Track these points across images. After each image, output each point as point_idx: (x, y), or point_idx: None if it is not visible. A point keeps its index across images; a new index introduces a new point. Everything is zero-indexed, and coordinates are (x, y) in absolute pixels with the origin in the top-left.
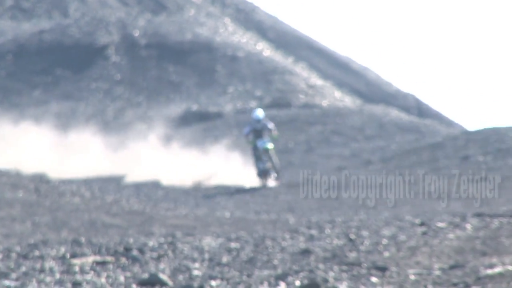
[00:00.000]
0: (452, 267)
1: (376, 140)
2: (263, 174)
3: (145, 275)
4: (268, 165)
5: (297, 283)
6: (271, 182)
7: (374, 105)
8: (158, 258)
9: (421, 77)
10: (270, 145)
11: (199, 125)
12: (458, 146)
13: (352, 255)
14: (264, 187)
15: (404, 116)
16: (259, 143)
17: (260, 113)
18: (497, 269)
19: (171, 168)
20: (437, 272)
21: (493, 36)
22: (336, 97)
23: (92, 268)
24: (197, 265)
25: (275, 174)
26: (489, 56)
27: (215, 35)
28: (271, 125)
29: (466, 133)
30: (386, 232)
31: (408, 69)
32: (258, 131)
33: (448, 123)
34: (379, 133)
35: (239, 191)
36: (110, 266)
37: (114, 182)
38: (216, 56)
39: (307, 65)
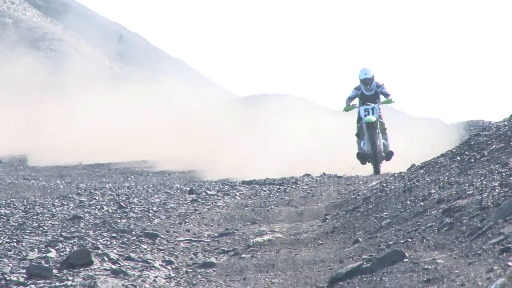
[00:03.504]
0: (222, 235)
1: None
2: (362, 157)
3: None
4: (375, 145)
5: (68, 249)
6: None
7: (144, 71)
8: None
9: (193, 44)
10: (374, 117)
11: None
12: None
13: (122, 222)
14: (376, 172)
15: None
16: (362, 112)
17: (369, 72)
18: (266, 237)
19: None
20: (207, 240)
21: None
22: (105, 64)
23: None
24: None
25: (382, 158)
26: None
27: None
28: (386, 89)
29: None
30: (156, 199)
31: (180, 36)
32: (367, 98)
33: (219, 87)
34: None
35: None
36: None
37: None
38: None
39: (76, 32)
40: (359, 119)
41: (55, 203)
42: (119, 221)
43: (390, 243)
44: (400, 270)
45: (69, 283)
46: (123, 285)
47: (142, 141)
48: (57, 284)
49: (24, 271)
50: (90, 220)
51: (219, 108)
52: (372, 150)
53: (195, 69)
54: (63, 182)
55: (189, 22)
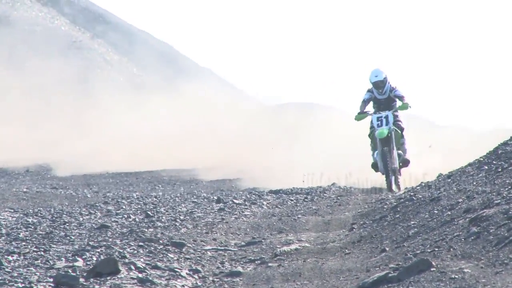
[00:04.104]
0: (249, 244)
1: None
2: (375, 168)
3: None
4: (387, 163)
5: (95, 258)
6: (396, 186)
7: (171, 79)
8: None
9: (219, 53)
10: (385, 129)
11: None
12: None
13: (149, 231)
14: (389, 190)
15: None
16: (375, 121)
17: (381, 74)
18: (293, 246)
19: None
20: (234, 249)
21: None
22: (134, 72)
23: None
24: None
25: (397, 174)
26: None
27: (12, 9)
28: (400, 92)
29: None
30: (183, 208)
31: (206, 44)
32: (381, 102)
33: (246, 95)
34: None
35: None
36: None
37: None
38: (14, 30)
39: (104, 41)
40: (372, 127)
41: (83, 212)
42: (146, 230)
43: (417, 252)
44: (427, 279)
45: None
46: None
47: (170, 149)
48: None
49: (51, 280)
50: (117, 229)
51: (248, 116)
52: (385, 168)
53: (222, 77)
54: (90, 191)
55: (216, 31)
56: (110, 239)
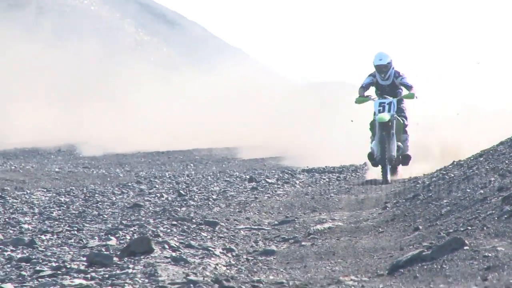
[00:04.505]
0: (282, 223)
1: None
2: (372, 159)
3: None
4: (384, 149)
5: (128, 237)
6: (393, 175)
7: (201, 59)
8: None
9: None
10: (387, 115)
11: None
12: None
13: (182, 210)
14: (384, 181)
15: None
16: (376, 106)
17: (385, 57)
18: (326, 225)
19: None
20: (267, 228)
21: None
22: (164, 52)
23: None
24: (27, 219)
25: (396, 164)
26: None
27: None
28: (408, 80)
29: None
30: (216, 187)
31: (237, 24)
32: (383, 89)
33: (277, 75)
34: None
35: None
36: None
37: None
38: (44, 10)
39: (134, 21)
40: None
41: (115, 192)
42: (179, 209)
43: (450, 230)
44: (460, 258)
45: (130, 271)
46: (183, 272)
47: (202, 129)
48: (117, 272)
49: (84, 259)
50: (150, 208)
51: (280, 95)
52: (381, 155)
53: (252, 57)
54: (122, 170)
55: (245, 10)
56: (143, 218)
